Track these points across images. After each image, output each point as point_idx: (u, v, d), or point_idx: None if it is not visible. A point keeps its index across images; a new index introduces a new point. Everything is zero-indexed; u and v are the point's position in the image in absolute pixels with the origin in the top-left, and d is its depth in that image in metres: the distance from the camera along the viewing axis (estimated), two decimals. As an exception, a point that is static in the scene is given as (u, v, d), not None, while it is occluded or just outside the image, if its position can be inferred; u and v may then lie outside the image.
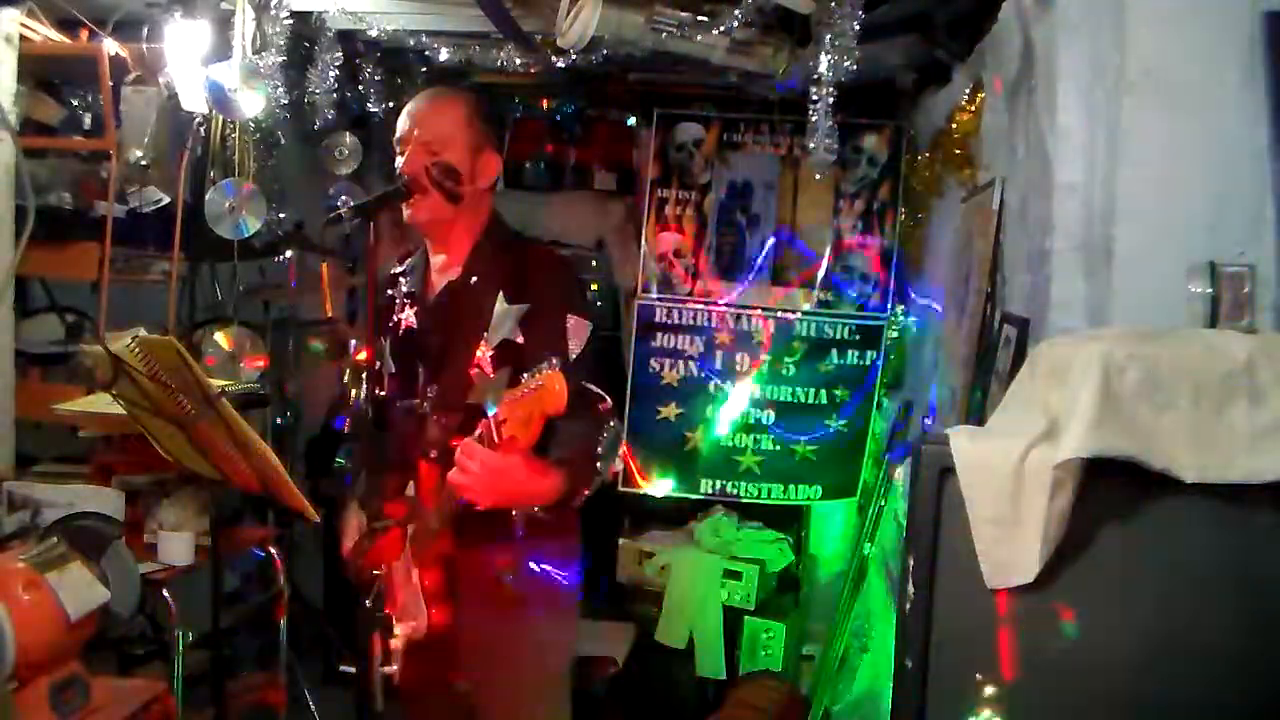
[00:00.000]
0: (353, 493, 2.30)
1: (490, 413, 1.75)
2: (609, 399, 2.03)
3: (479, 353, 2.05)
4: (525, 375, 1.71)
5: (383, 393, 2.27)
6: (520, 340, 2.03)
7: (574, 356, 1.97)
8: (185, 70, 3.04)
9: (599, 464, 1.94)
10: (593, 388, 1.97)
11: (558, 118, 4.39)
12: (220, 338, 3.55)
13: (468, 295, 2.12)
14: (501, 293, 2.07)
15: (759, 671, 3.69)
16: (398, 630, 2.10)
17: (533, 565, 2.14)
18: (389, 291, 2.29)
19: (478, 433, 1.81)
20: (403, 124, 2.14)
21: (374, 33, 3.12)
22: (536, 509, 1.94)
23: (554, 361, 1.71)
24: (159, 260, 3.52)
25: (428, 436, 2.11)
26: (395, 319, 2.23)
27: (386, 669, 2.08)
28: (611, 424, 1.99)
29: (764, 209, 3.91)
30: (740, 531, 3.92)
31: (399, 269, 2.32)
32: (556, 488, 1.90)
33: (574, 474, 1.92)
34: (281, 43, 2.95)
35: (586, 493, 1.98)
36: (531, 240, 2.49)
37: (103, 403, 2.61)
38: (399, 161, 2.13)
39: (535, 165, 4.39)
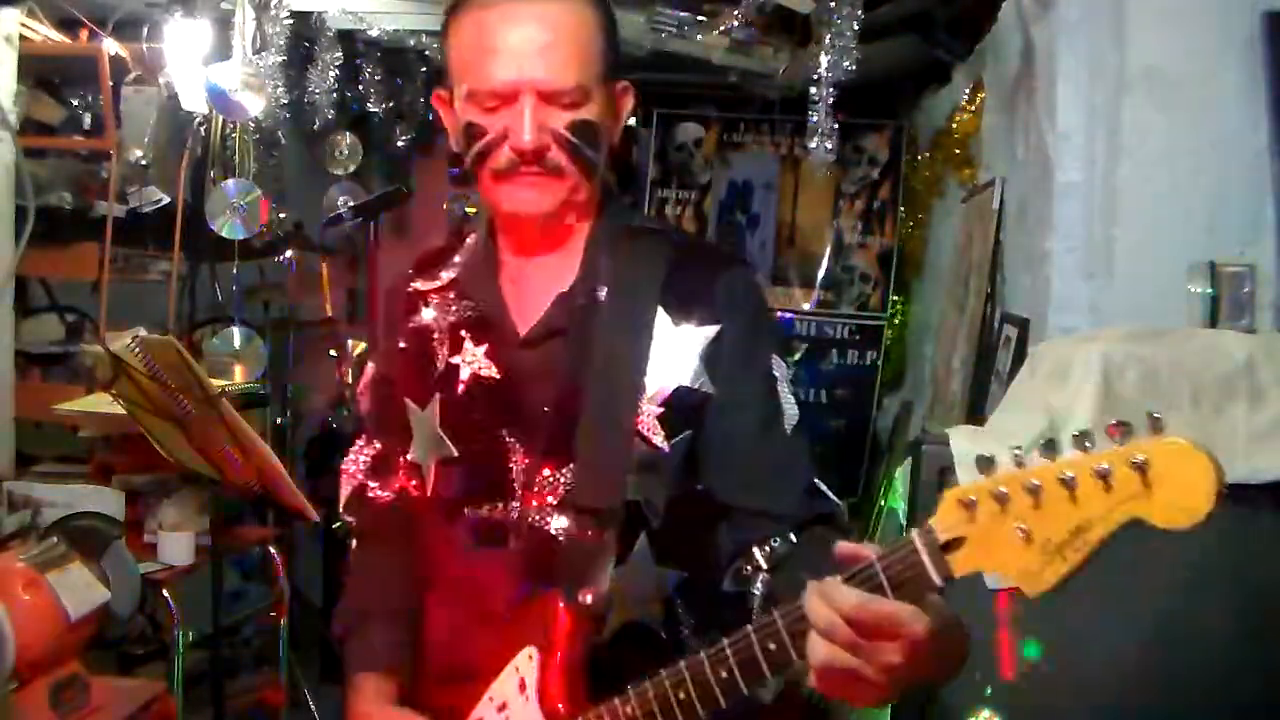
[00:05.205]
0: (367, 660, 1.30)
1: (913, 526, 0.88)
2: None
3: (641, 410, 1.18)
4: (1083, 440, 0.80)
5: (422, 493, 1.30)
6: (712, 390, 1.20)
7: (790, 426, 1.24)
8: (185, 70, 3.04)
9: None
10: (821, 485, 1.23)
11: (557, 118, 4.39)
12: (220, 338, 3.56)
13: (595, 315, 1.22)
14: (661, 309, 1.21)
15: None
16: None
17: None
18: (414, 318, 1.32)
19: (870, 565, 0.88)
20: (493, 61, 1.14)
21: (374, 33, 3.13)
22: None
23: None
24: (159, 260, 3.52)
25: (553, 569, 1.16)
26: (442, 366, 1.28)
27: None
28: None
29: (764, 209, 3.91)
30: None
31: (428, 283, 1.34)
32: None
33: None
34: (281, 43, 2.95)
35: None
36: (662, 227, 1.53)
37: (103, 403, 2.61)
38: (485, 122, 1.16)
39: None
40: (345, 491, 1.40)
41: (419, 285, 1.34)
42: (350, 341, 4.21)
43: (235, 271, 3.64)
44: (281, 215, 3.74)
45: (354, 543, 1.45)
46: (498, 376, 1.24)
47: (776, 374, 1.24)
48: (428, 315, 1.31)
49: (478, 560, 1.22)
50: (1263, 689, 1.36)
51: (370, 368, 1.42)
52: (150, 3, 3.08)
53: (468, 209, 4.50)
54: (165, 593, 2.65)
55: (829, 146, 2.51)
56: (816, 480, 1.22)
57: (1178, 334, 1.58)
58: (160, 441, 2.35)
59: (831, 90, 2.48)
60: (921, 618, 0.85)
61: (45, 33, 3.12)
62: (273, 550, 3.21)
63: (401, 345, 1.33)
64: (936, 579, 0.85)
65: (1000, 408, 1.73)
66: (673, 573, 1.20)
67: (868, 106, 3.73)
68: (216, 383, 2.32)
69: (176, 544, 2.74)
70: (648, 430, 1.18)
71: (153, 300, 3.53)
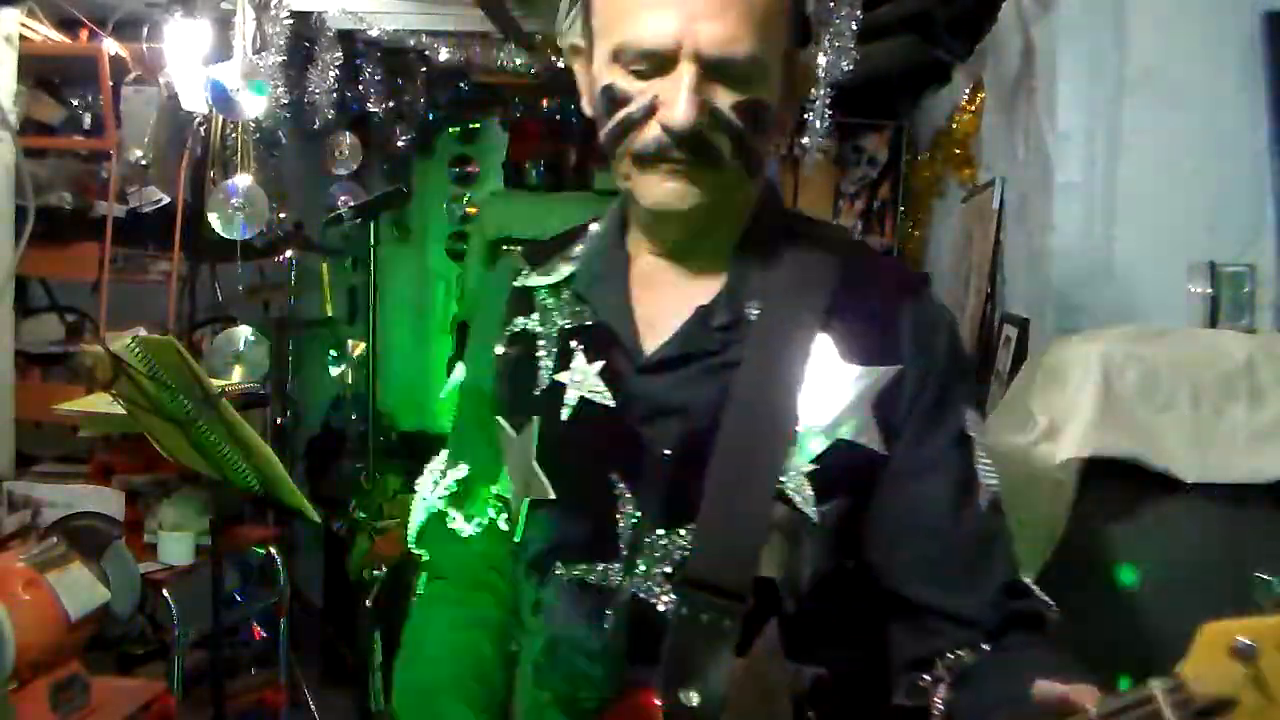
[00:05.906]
0: None
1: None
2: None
3: (788, 465, 0.94)
4: None
5: (512, 539, 1.08)
6: (884, 449, 0.95)
7: (988, 503, 0.96)
8: (185, 70, 3.04)
9: None
10: (1026, 580, 0.98)
11: (558, 118, 4.39)
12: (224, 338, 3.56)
13: (741, 338, 0.98)
14: (825, 338, 0.96)
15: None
16: None
17: None
18: (517, 318, 1.09)
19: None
20: (650, 15, 0.89)
21: (374, 33, 3.13)
22: None
23: None
24: (159, 260, 3.52)
25: (655, 655, 0.92)
26: (545, 383, 1.04)
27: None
28: None
29: (764, 209, 3.92)
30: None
31: (540, 276, 1.10)
32: None
33: None
34: (281, 43, 2.95)
35: None
36: (833, 233, 1.13)
37: (103, 403, 2.61)
38: (632, 89, 0.93)
39: (535, 165, 4.39)
40: (418, 518, 1.14)
41: (528, 278, 1.09)
42: (350, 342, 4.22)
43: (240, 270, 3.65)
44: (281, 215, 3.75)
45: (421, 586, 1.15)
46: (612, 404, 0.98)
47: (972, 434, 0.96)
48: (534, 316, 1.06)
49: (564, 633, 0.99)
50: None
51: (459, 370, 1.17)
52: (150, 3, 3.08)
53: (468, 209, 4.51)
54: (165, 593, 2.66)
55: (823, 144, 2.51)
56: (1018, 574, 0.95)
57: (1178, 334, 1.58)
58: (160, 441, 2.35)
59: (830, 90, 2.48)
60: None
61: (45, 33, 3.12)
62: (273, 550, 3.21)
63: (499, 350, 1.08)
64: None
65: (1000, 408, 1.74)
66: (809, 670, 0.95)
67: (868, 106, 3.73)
68: (216, 383, 2.32)
69: (176, 544, 2.75)
70: (794, 491, 0.93)
71: (153, 300, 3.53)
